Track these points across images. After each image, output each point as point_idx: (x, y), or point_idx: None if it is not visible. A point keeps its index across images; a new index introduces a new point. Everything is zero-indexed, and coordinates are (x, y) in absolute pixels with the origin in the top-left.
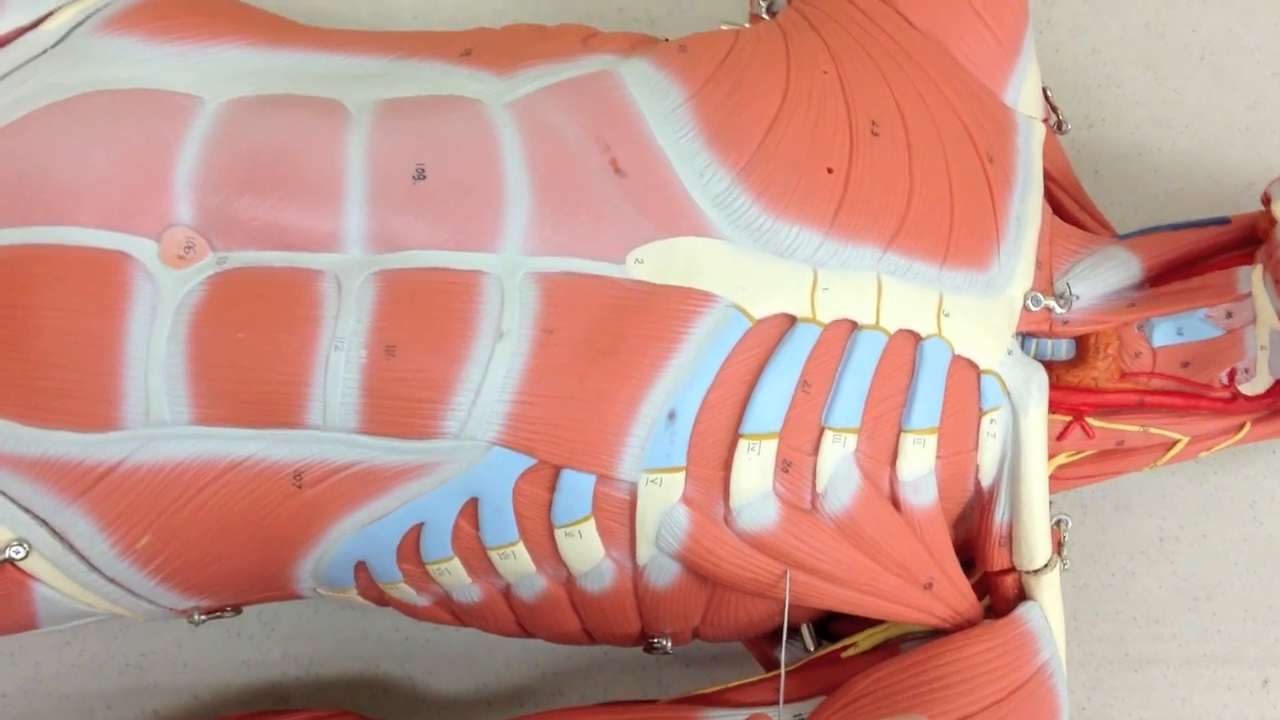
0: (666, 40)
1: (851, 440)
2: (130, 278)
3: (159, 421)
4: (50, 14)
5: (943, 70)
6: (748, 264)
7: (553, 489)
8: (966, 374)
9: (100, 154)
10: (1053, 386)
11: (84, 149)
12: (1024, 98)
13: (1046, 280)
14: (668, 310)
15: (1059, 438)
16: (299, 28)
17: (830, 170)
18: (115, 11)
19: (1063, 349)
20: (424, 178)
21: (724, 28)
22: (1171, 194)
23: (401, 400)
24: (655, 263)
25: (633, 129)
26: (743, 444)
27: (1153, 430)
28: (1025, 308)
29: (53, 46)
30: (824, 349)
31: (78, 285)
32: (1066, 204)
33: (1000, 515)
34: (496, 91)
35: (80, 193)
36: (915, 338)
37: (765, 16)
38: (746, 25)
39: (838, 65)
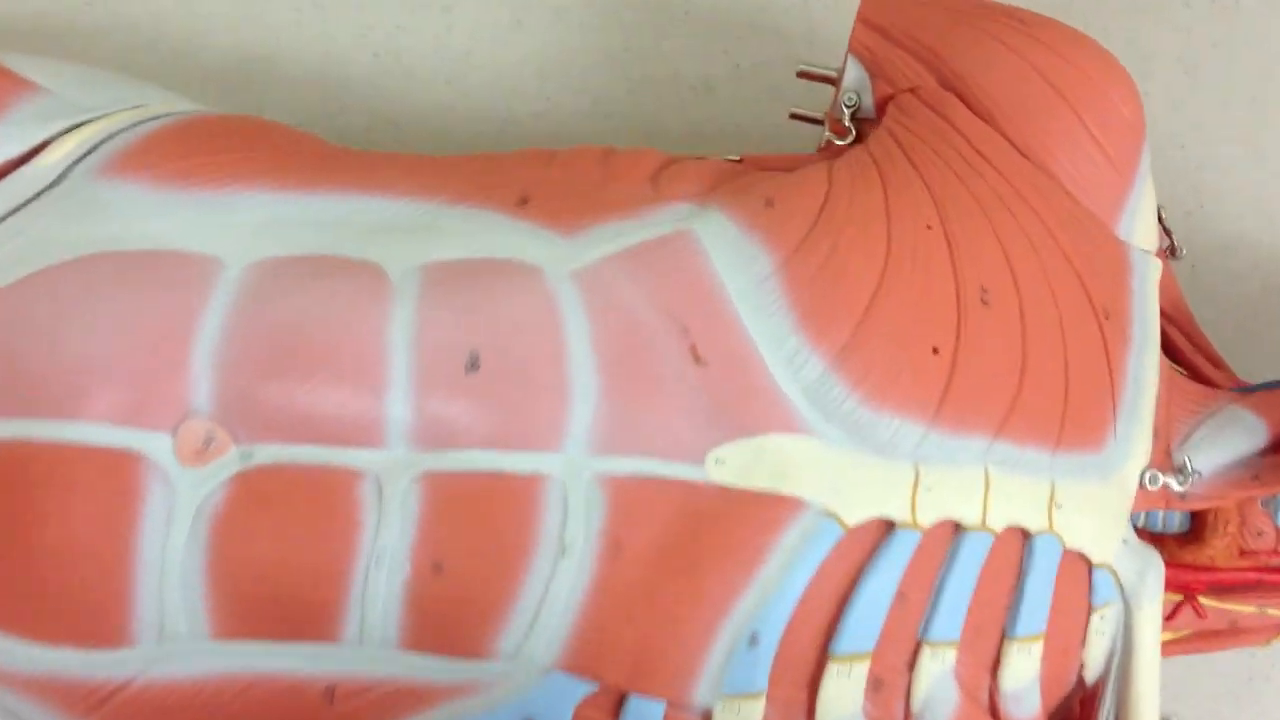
0: (739, 162)
1: (950, 655)
2: (143, 481)
3: (174, 636)
4: (46, 143)
5: (1052, 206)
6: (843, 464)
7: (617, 715)
8: (1078, 569)
9: (109, 333)
10: (1165, 563)
11: (91, 327)
12: (1138, 228)
13: (1164, 452)
14: (751, 519)
15: (1168, 618)
16: (333, 156)
17: (936, 350)
18: (125, 148)
19: (1175, 521)
20: (477, 367)
21: (794, 116)
22: (1273, 290)
23: (450, 619)
24: (738, 464)
25: (715, 307)
26: (832, 666)
27: (1269, 611)
28: (1142, 487)
29: (50, 186)
30: (923, 557)
31: (85, 492)
32: (1179, 343)
33: (1106, 716)
34: (560, 256)
35: (88, 382)
36: (1024, 535)
37: (848, 125)
38: (825, 130)
39: (943, 216)
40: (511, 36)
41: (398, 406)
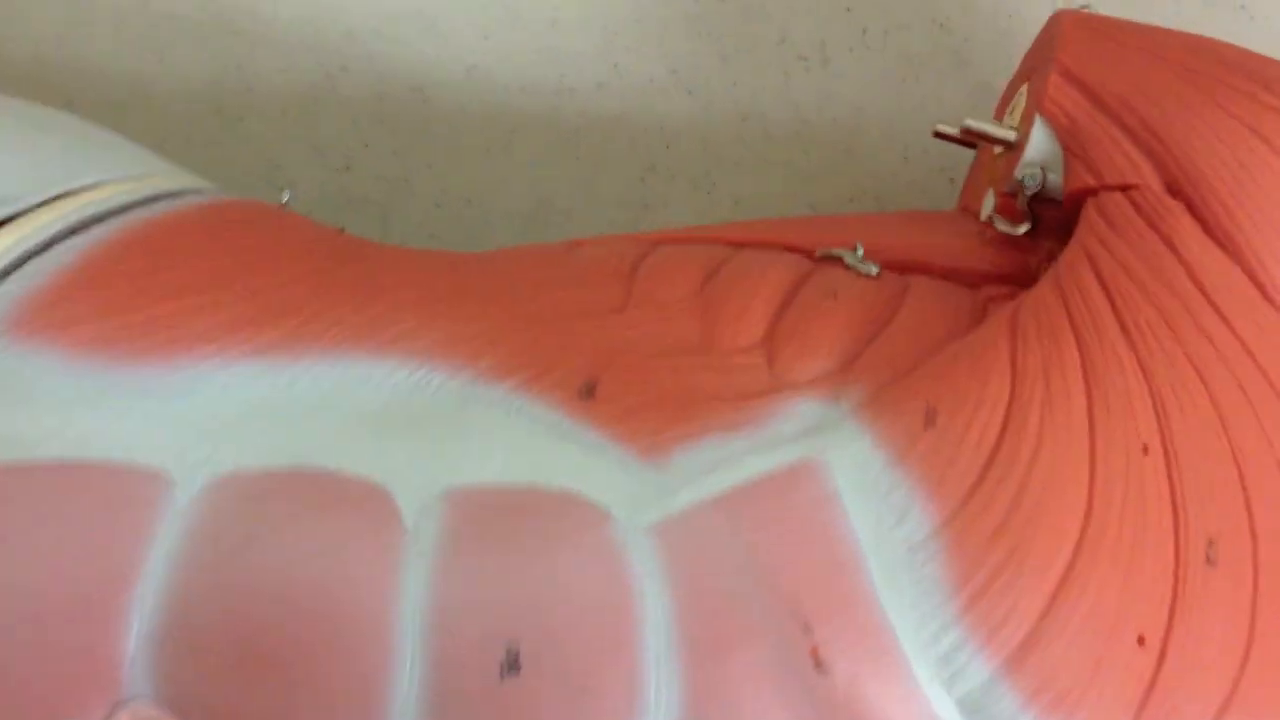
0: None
1: None
2: None
3: None
4: None
5: None
6: None
7: None
8: None
9: (15, 606)
10: None
11: None
12: None
13: None
14: None
15: None
16: (333, 283)
17: (1142, 641)
18: (34, 293)
19: None
20: (517, 668)
21: (939, 135)
22: None
23: None
24: None
25: (849, 590)
26: None
27: None
28: None
29: None
30: None
31: None
32: None
33: None
34: (637, 495)
35: None
36: None
37: (1026, 209)
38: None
39: (1165, 430)
40: None
41: None
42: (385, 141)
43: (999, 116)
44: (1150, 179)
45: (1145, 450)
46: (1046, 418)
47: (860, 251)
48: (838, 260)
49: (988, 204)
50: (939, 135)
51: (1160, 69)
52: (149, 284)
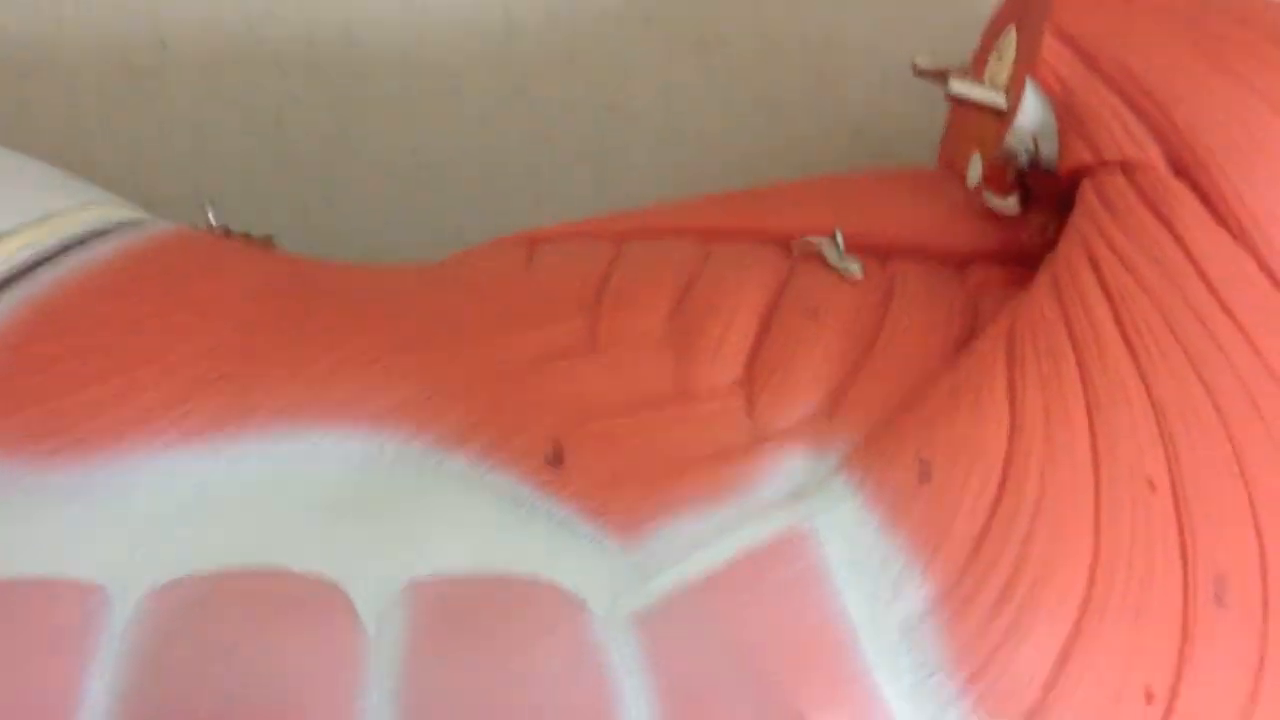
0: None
1: None
2: None
3: None
4: None
5: None
6: None
7: None
8: None
9: None
10: None
11: None
12: None
13: None
14: None
15: None
16: (271, 356)
17: (1150, 697)
18: None
19: None
20: None
21: (920, 73)
22: None
23: None
24: None
25: (844, 677)
26: None
27: None
28: None
29: None
30: None
31: None
32: None
33: None
34: (612, 582)
35: None
36: None
37: (1014, 182)
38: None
39: (1171, 460)
40: None
41: None
42: (317, 93)
43: (983, 54)
44: (1153, 157)
45: (1152, 486)
46: (1048, 463)
47: (840, 242)
48: (815, 253)
49: (974, 169)
50: (919, 73)
51: (1166, 30)
52: (57, 370)
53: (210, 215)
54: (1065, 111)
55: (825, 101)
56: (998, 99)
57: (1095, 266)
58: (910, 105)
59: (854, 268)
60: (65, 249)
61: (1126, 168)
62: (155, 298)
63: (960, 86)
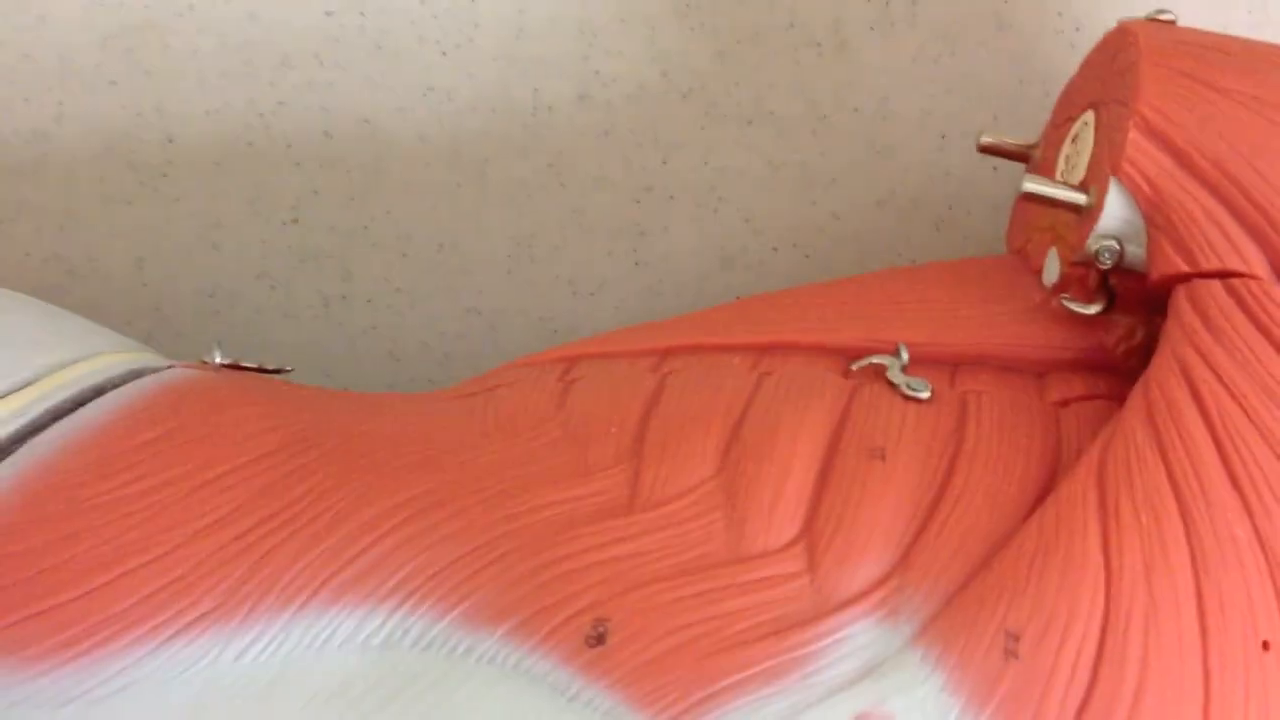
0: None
1: None
2: None
3: None
4: None
5: None
6: None
7: None
8: None
9: None
10: None
11: None
12: None
13: None
14: None
15: None
16: (281, 531)
17: None
18: None
19: None
20: None
21: (984, 150)
22: None
23: None
24: None
25: None
26: None
27: None
28: None
29: None
30: None
31: None
32: None
33: None
34: None
35: None
36: None
37: (1094, 284)
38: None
39: None
40: None
41: None
42: (336, 186)
43: (1054, 133)
44: (1256, 265)
45: (1266, 647)
46: (1151, 632)
47: (905, 357)
48: (878, 371)
49: (1050, 267)
50: (984, 149)
51: (1265, 123)
52: (47, 565)
53: (217, 355)
54: (1155, 214)
55: (878, 170)
56: (1078, 198)
57: (1195, 394)
58: (972, 170)
59: (921, 389)
60: (56, 415)
61: (1226, 277)
62: (152, 469)
63: (1035, 186)
